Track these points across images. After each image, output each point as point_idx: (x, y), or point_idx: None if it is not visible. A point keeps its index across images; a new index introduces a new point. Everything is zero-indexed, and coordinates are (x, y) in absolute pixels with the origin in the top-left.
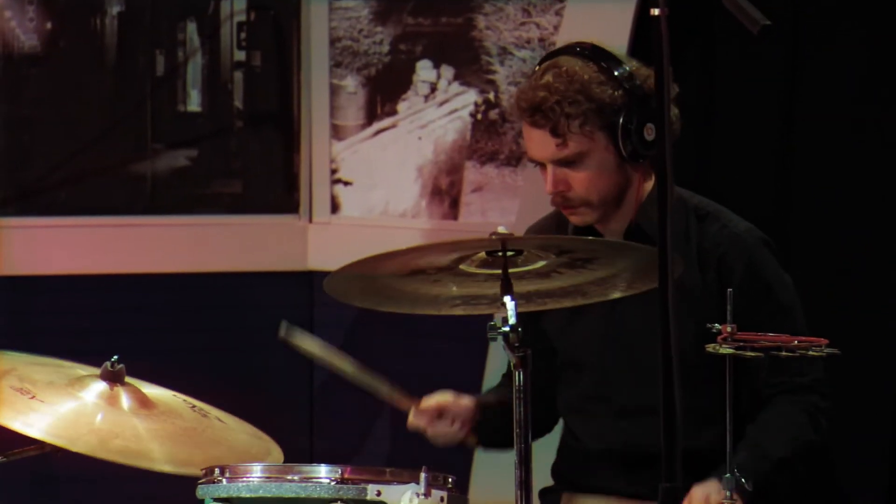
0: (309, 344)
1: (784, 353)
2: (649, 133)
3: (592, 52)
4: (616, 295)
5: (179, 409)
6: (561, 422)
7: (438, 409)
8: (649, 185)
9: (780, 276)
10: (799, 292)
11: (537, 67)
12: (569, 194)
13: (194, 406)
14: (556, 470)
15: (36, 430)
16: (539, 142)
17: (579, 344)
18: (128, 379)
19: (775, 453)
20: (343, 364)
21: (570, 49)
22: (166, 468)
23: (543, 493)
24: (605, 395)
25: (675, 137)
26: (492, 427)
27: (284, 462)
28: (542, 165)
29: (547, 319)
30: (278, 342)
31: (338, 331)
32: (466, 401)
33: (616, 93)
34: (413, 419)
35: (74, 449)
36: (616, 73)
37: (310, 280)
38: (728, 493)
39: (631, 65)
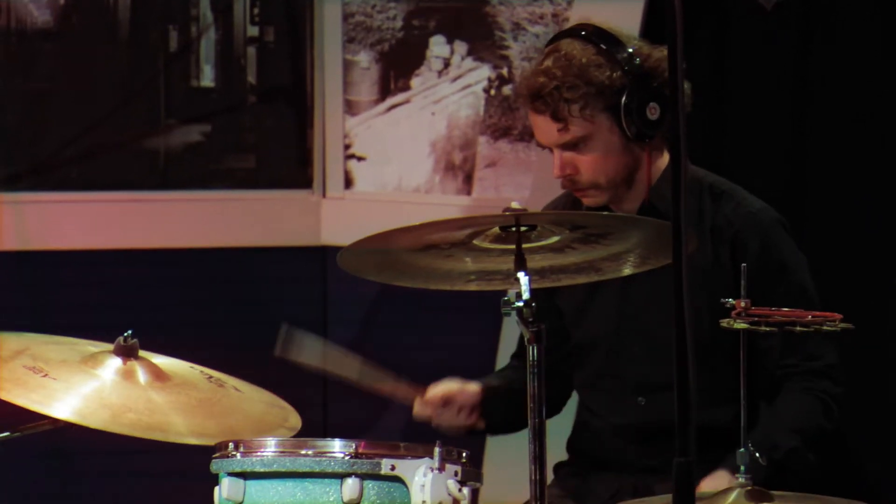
0: (308, 353)
1: (798, 329)
2: (652, 112)
3: (593, 34)
4: (629, 271)
5: (195, 380)
6: (576, 397)
7: (444, 399)
8: (661, 164)
9: (795, 256)
10: (813, 270)
11: (539, 56)
12: (576, 178)
13: (211, 377)
14: (571, 444)
15: (47, 408)
16: (542, 127)
17: (594, 322)
18: (141, 353)
19: (786, 443)
20: (345, 368)
21: (573, 31)
22: (181, 439)
23: (558, 467)
24: (619, 372)
25: (685, 112)
26: (497, 411)
27: (299, 435)
28: (551, 149)
29: (563, 299)
30: (290, 317)
31: (351, 305)
32: (473, 388)
33: (615, 74)
34: (418, 409)
35: (86, 424)
36: (616, 55)
37: (323, 255)
38: (742, 468)
39: (633, 44)
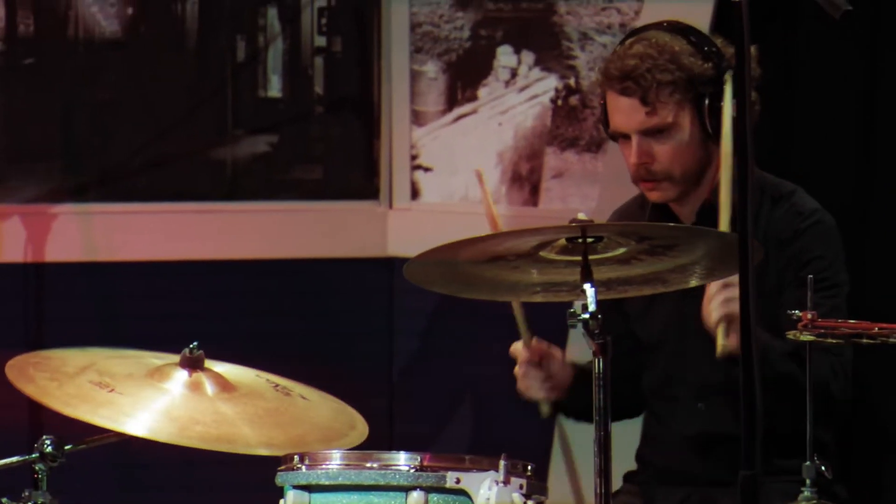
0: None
1: (865, 341)
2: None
3: (679, 27)
4: (695, 283)
5: (261, 389)
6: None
7: (544, 356)
8: None
9: (837, 253)
10: (878, 272)
11: (619, 45)
12: (653, 167)
13: (277, 385)
14: (640, 455)
15: (115, 423)
16: (627, 111)
17: (657, 327)
18: (207, 363)
19: (783, 348)
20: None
21: (656, 25)
22: (249, 450)
23: (628, 476)
24: (682, 375)
25: (753, 121)
26: (583, 395)
27: (365, 447)
28: (626, 137)
29: (627, 303)
30: (358, 329)
31: (417, 317)
32: (569, 365)
33: (706, 65)
34: (516, 349)
35: (155, 439)
36: (705, 48)
37: (390, 266)
38: (808, 482)
39: (717, 41)
